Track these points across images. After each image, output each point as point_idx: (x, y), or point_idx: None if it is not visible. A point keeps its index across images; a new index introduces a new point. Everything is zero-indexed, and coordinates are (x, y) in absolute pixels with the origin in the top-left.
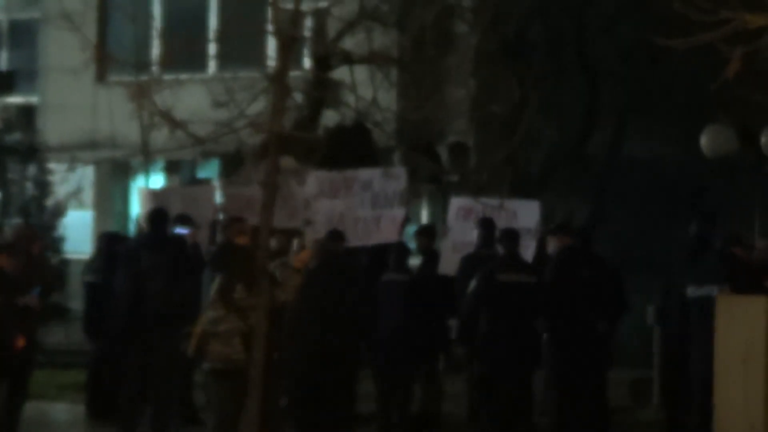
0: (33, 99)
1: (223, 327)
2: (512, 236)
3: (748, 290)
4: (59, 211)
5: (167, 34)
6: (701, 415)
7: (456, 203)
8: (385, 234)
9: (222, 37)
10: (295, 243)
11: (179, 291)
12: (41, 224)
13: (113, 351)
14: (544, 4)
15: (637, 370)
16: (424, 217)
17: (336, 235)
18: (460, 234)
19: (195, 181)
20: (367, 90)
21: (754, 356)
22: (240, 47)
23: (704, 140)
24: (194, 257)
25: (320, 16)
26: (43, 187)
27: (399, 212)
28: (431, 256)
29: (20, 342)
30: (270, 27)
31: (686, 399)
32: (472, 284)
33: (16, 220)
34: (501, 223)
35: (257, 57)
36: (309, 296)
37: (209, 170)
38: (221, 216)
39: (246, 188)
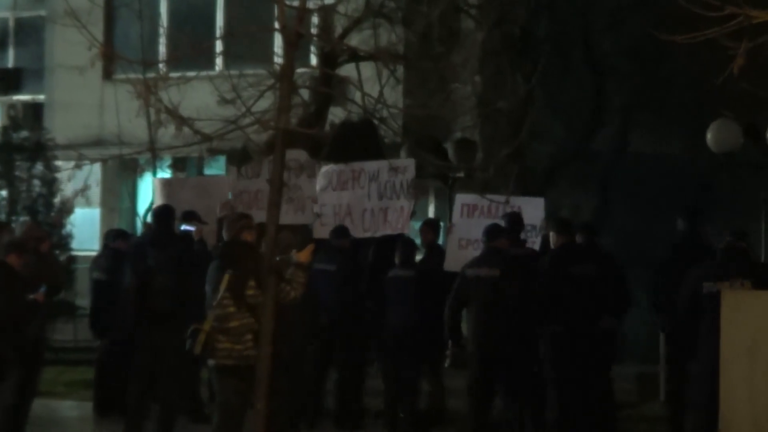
0: (40, 97)
1: (234, 323)
2: (494, 232)
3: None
4: (67, 209)
5: (173, 32)
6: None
7: (461, 200)
8: (393, 225)
9: (228, 35)
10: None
11: (186, 288)
12: (48, 222)
13: (120, 348)
14: (550, 0)
15: (642, 365)
16: (431, 212)
17: (341, 232)
18: (465, 230)
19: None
20: (373, 87)
21: (759, 350)
22: (246, 44)
23: (710, 136)
24: (201, 253)
25: (326, 12)
26: (51, 184)
27: (406, 204)
28: (434, 250)
29: None
30: (276, 24)
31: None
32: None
33: (23, 218)
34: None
35: (264, 54)
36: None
37: (216, 167)
38: (224, 212)
39: (253, 183)
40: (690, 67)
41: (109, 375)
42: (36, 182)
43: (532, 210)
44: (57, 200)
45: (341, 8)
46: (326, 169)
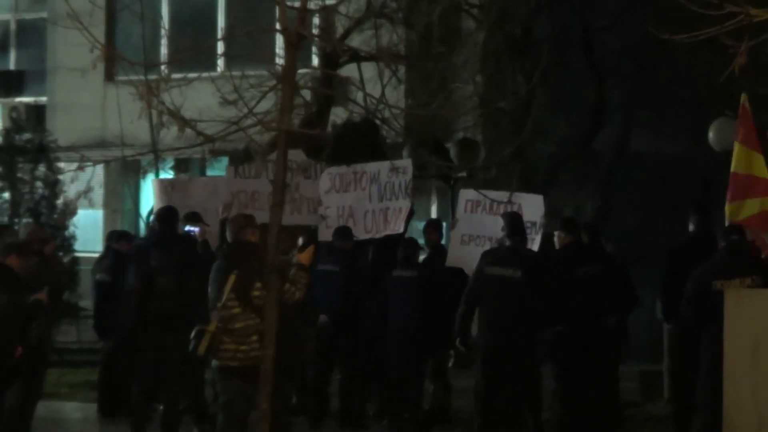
0: (42, 99)
1: (240, 324)
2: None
3: None
4: (71, 211)
5: (175, 33)
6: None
7: (465, 195)
8: (392, 226)
9: (229, 36)
10: (300, 240)
11: (189, 289)
12: (51, 224)
13: (124, 349)
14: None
15: (647, 364)
16: (433, 212)
17: (343, 233)
18: (468, 226)
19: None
20: (374, 87)
21: (762, 348)
22: (247, 45)
23: (711, 134)
24: (204, 255)
25: (327, 13)
26: (53, 186)
27: (405, 204)
28: (438, 250)
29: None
30: (277, 25)
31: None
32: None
33: (26, 220)
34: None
35: (265, 55)
36: None
37: (218, 168)
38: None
39: (250, 183)
40: (691, 66)
41: (113, 376)
42: (38, 184)
43: (532, 207)
44: (60, 202)
45: (342, 9)
46: (329, 171)
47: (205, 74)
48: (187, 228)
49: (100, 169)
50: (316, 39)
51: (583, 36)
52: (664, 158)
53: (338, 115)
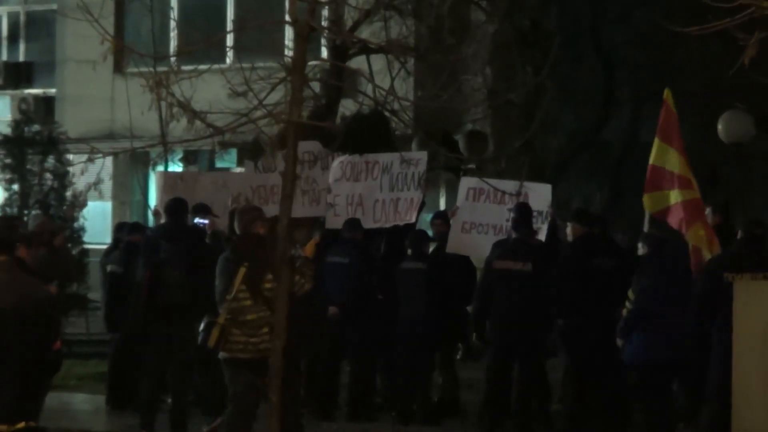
0: (51, 91)
1: (251, 317)
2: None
3: None
4: (80, 203)
5: (185, 25)
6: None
7: (466, 183)
8: (402, 216)
9: (239, 28)
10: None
11: (198, 281)
12: (61, 215)
13: (133, 341)
14: None
15: None
16: (442, 204)
17: (354, 224)
18: (470, 214)
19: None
20: (384, 79)
21: None
22: (257, 37)
23: (721, 126)
24: (213, 247)
25: (337, 5)
26: (62, 178)
27: (416, 194)
28: (446, 242)
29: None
30: (287, 17)
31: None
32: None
33: (35, 212)
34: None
35: (275, 47)
36: None
37: (228, 160)
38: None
39: (269, 177)
40: (701, 58)
41: (122, 368)
42: (48, 176)
43: (539, 196)
44: (69, 194)
45: (352, 1)
46: (341, 160)
47: (214, 66)
48: (197, 220)
49: (109, 161)
50: (326, 31)
51: (593, 28)
52: None
53: (347, 107)
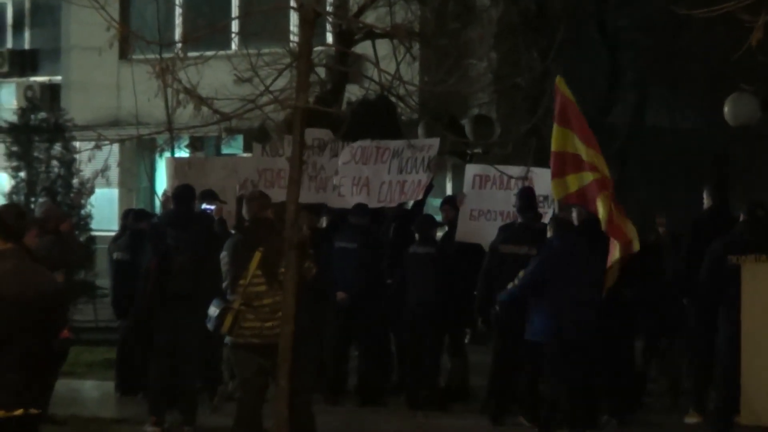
0: (57, 78)
1: (268, 301)
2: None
3: None
4: (88, 190)
5: (190, 12)
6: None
7: (472, 170)
8: (408, 196)
9: (245, 14)
10: (324, 220)
11: (205, 268)
12: (68, 203)
13: (141, 328)
14: None
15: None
16: (449, 189)
17: (361, 210)
18: (477, 201)
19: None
20: (389, 64)
21: None
22: (263, 23)
23: (727, 109)
24: (220, 233)
25: None
26: (69, 165)
27: (424, 177)
28: (454, 227)
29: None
30: (293, 2)
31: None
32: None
33: (42, 199)
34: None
35: (280, 33)
36: None
37: (234, 146)
38: (242, 191)
39: (276, 161)
40: (707, 41)
41: (131, 355)
42: (54, 163)
43: (545, 180)
44: (75, 181)
45: None
46: (352, 145)
47: (220, 52)
48: (204, 206)
49: (115, 148)
50: (331, 16)
51: (598, 11)
52: (679, 133)
53: (353, 92)
